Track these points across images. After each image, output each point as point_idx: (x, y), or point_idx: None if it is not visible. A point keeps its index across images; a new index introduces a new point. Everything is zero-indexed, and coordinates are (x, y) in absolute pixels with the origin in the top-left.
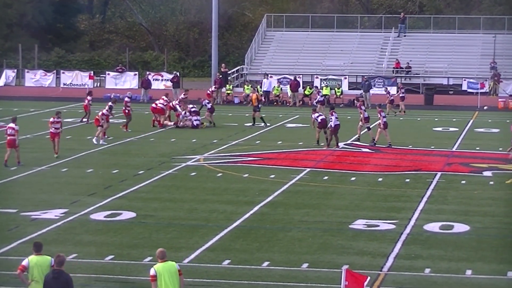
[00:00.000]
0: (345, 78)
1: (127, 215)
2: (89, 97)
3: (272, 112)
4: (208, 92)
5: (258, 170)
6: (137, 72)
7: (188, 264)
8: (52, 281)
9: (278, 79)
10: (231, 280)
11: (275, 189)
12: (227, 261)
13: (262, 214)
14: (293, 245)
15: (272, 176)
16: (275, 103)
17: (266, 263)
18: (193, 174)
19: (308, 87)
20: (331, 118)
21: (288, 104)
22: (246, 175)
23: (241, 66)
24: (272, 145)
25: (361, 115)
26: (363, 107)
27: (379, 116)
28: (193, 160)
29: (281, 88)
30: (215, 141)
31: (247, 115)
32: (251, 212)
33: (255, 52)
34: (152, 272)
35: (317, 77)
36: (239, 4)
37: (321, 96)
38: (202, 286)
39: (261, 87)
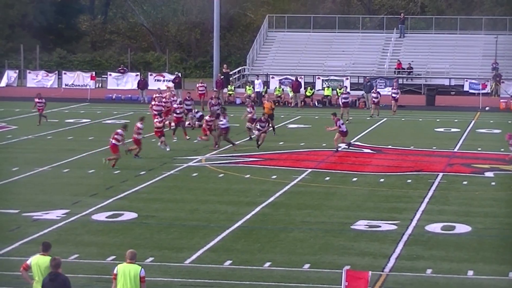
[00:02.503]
0: (347, 79)
1: (128, 215)
2: (37, 99)
3: (273, 113)
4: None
5: (259, 171)
6: (138, 73)
7: (190, 265)
8: (49, 283)
9: (279, 80)
10: (233, 281)
11: (277, 189)
12: (228, 262)
13: (263, 215)
14: (295, 246)
15: (274, 176)
16: (276, 103)
17: (267, 264)
18: (194, 174)
19: (309, 87)
20: (222, 120)
21: (289, 104)
22: (248, 175)
23: (242, 67)
24: (274, 145)
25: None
26: (340, 121)
27: (336, 125)
28: (195, 161)
29: (282, 89)
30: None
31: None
32: (253, 212)
33: (256, 52)
34: (114, 270)
35: (318, 78)
36: (240, 5)
37: (346, 97)
38: (204, 286)
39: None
